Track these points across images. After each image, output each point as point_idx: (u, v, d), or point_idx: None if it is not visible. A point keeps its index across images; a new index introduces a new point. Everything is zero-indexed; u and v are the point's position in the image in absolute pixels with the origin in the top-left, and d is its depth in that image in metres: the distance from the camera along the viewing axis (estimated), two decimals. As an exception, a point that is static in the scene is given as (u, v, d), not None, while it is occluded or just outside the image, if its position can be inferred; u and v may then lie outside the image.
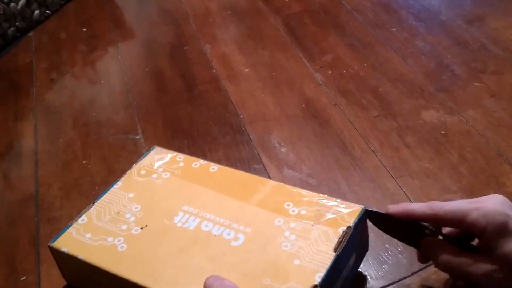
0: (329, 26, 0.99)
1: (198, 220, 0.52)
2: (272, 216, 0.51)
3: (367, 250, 0.55)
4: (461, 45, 0.89)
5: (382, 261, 0.55)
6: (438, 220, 0.48)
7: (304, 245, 0.48)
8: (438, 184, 0.64)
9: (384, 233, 0.53)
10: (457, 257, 0.46)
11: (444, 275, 0.53)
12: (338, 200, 0.52)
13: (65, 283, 0.57)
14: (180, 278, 0.47)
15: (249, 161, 0.71)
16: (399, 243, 0.57)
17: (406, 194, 0.63)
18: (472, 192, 0.62)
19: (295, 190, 0.54)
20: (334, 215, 0.50)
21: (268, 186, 0.55)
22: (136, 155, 0.74)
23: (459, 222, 0.46)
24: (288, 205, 0.52)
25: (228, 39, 0.99)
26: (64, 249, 0.52)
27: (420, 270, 0.54)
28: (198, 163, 0.59)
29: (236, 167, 0.70)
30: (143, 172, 0.59)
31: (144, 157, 0.61)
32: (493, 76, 0.81)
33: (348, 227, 0.48)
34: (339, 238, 0.48)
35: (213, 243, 0.49)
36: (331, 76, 0.85)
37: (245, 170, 0.69)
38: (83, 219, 0.54)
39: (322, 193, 0.58)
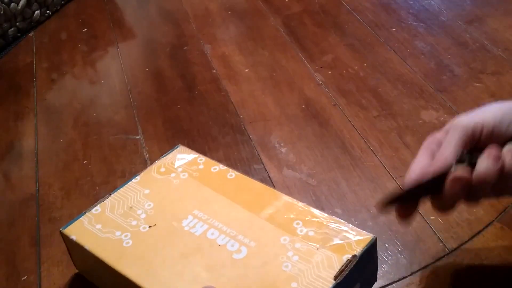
0: (329, 26, 0.99)
1: (205, 226, 0.52)
2: (279, 233, 0.50)
3: (376, 281, 0.53)
4: (461, 45, 0.89)
5: (382, 261, 0.56)
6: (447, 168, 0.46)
7: (305, 268, 0.46)
8: (437, 184, 0.64)
9: (384, 233, 0.53)
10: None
11: (444, 275, 0.53)
12: (350, 226, 0.50)
13: (64, 280, 0.57)
14: (175, 284, 0.47)
15: (249, 161, 0.71)
16: (399, 242, 0.57)
17: (405, 194, 0.63)
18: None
19: (307, 209, 0.52)
20: (342, 241, 0.48)
21: (282, 201, 0.54)
22: (136, 155, 0.74)
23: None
24: (298, 223, 0.51)
25: (228, 39, 0.99)
26: (73, 236, 0.53)
27: (420, 269, 0.54)
28: (217, 167, 0.59)
29: (236, 167, 0.70)
30: (162, 169, 0.59)
31: (168, 154, 0.61)
32: (492, 76, 0.81)
33: (353, 256, 0.47)
34: (342, 266, 0.46)
35: (215, 252, 0.49)
36: (331, 76, 0.86)
37: (245, 170, 0.69)
38: (96, 209, 0.55)
39: (322, 192, 0.58)
